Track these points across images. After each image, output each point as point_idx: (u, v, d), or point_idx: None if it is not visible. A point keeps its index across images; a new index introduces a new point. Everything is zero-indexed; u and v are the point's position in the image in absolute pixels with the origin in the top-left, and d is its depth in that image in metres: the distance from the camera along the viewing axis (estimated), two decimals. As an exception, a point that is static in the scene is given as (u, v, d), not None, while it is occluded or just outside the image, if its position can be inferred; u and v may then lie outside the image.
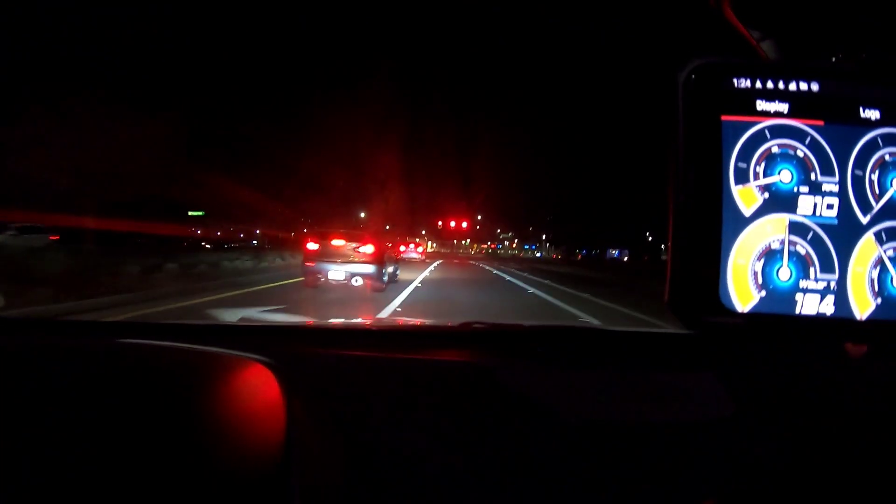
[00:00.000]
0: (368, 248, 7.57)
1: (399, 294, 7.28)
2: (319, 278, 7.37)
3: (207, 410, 0.63)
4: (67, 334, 1.02)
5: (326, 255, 7.48)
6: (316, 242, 7.68)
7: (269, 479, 0.67)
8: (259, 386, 0.77)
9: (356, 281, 7.26)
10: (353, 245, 7.56)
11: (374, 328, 1.28)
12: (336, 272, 7.32)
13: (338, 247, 7.56)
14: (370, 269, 7.41)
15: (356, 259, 7.43)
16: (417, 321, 1.75)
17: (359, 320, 2.34)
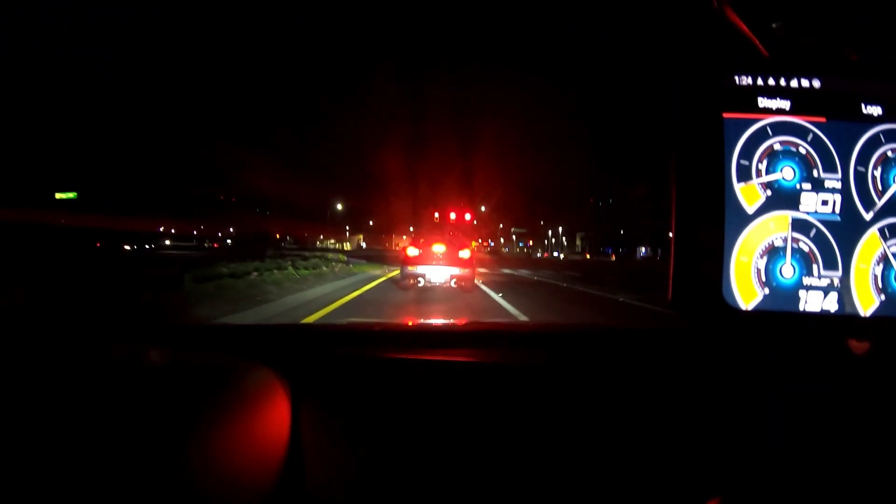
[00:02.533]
0: (465, 253, 8.14)
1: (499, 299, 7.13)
2: (419, 280, 8.00)
3: (210, 417, 0.63)
4: (72, 337, 1.02)
5: (427, 258, 8.08)
6: (417, 247, 8.34)
7: (272, 481, 0.68)
8: (264, 390, 0.77)
9: (453, 282, 7.93)
10: (452, 249, 8.15)
11: (377, 329, 1.28)
12: (436, 274, 7.95)
13: (438, 251, 8.18)
14: (467, 271, 8.02)
15: (454, 263, 8.03)
16: (421, 321, 1.75)
17: (363, 320, 2.34)
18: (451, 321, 1.50)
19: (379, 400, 0.85)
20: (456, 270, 7.97)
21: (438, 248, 8.20)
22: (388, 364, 0.90)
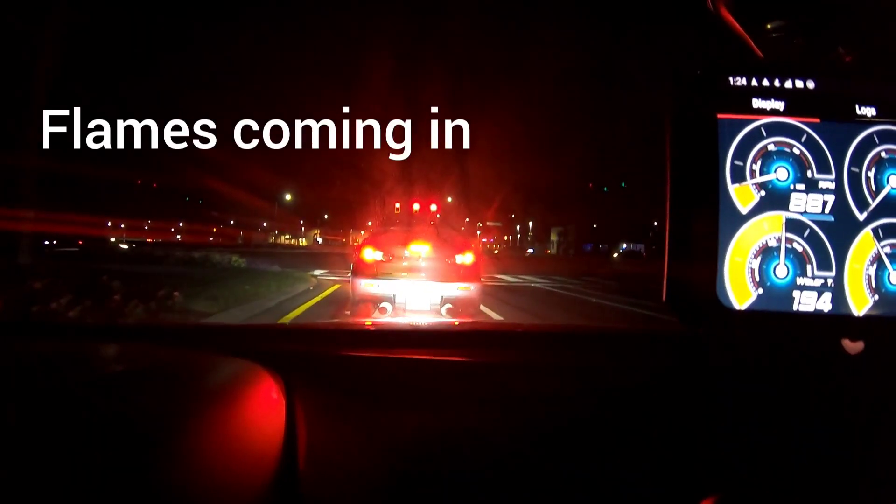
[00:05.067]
0: (467, 258, 4.87)
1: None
2: (384, 308, 4.59)
3: (205, 415, 0.63)
4: (64, 338, 1.02)
5: (397, 266, 4.79)
6: (380, 247, 4.85)
7: (269, 481, 0.68)
8: (257, 390, 0.77)
9: (444, 310, 4.55)
10: (442, 252, 4.90)
11: (373, 328, 1.28)
12: (416, 296, 4.60)
13: (418, 255, 4.84)
14: (469, 289, 4.71)
15: (446, 275, 4.74)
16: (418, 322, 1.75)
17: (362, 320, 2.34)
18: (448, 320, 1.51)
19: (376, 400, 0.85)
20: (451, 289, 4.65)
21: (418, 250, 4.87)
22: (386, 363, 0.91)
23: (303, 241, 44.69)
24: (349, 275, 5.07)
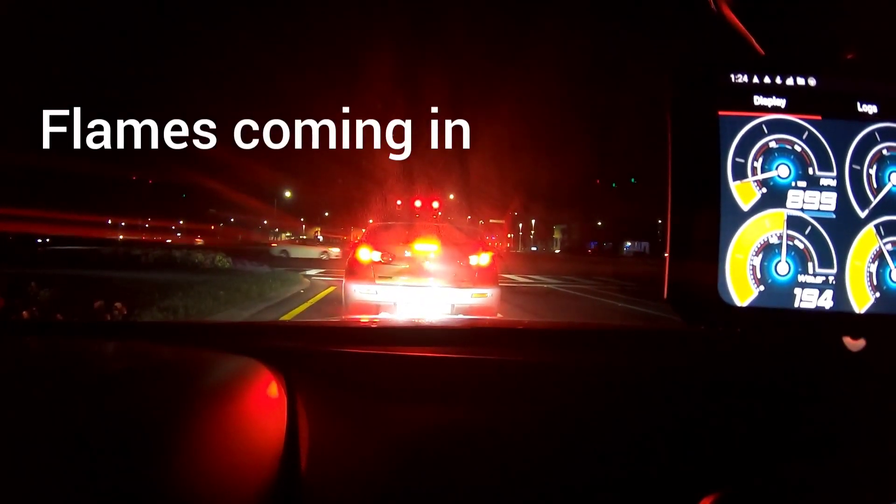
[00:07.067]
0: (482, 259, 4.19)
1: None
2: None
3: (205, 412, 0.63)
4: (61, 336, 1.02)
5: (399, 268, 4.07)
6: (378, 247, 4.14)
7: (271, 479, 0.68)
8: (259, 388, 0.77)
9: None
10: (452, 252, 4.18)
11: (375, 326, 1.28)
12: (422, 305, 3.99)
13: (423, 255, 4.11)
14: (484, 295, 4.04)
15: (457, 279, 4.05)
16: (418, 320, 1.75)
17: (363, 318, 2.34)
18: (450, 317, 1.51)
19: (378, 397, 0.85)
20: (464, 296, 3.99)
21: (424, 249, 4.16)
22: (389, 360, 0.90)
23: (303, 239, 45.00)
24: (344, 280, 4.33)
